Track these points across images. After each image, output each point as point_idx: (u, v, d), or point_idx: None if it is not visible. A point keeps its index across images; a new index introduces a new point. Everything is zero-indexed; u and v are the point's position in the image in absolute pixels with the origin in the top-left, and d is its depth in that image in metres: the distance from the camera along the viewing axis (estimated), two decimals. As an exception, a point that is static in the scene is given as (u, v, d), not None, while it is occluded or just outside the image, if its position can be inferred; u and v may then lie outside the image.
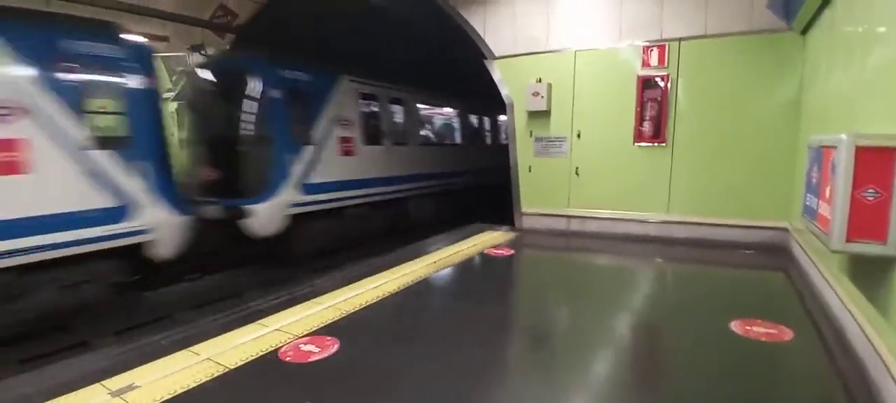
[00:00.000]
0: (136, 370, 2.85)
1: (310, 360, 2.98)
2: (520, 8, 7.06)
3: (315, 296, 4.23)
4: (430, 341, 3.39)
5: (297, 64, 8.24)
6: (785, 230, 5.73)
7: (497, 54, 7.35)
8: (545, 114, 7.07)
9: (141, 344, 3.37)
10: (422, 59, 12.51)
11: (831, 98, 4.05)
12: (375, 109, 9.96)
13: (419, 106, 11.71)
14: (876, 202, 2.40)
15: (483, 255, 5.83)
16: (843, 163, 2.45)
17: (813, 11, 4.66)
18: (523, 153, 7.41)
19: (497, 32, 7.29)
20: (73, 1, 6.74)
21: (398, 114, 10.87)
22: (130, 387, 2.64)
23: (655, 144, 6.39)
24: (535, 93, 6.98)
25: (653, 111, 6.35)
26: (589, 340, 3.45)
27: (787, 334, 3.29)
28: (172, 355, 3.06)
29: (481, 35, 7.37)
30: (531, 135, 7.29)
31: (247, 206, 7.22)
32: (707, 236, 6.19)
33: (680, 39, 6.12)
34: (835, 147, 2.58)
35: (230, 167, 7.46)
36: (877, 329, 2.61)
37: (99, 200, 5.46)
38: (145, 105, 6.00)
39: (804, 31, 5.30)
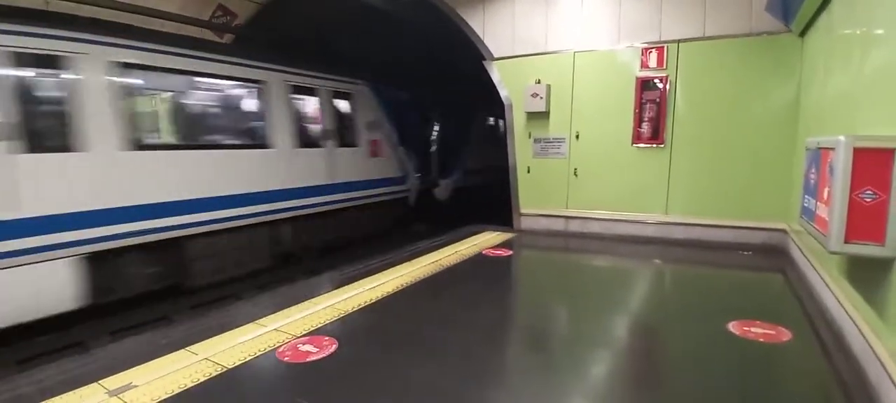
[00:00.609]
0: (133, 369, 2.84)
1: (308, 360, 2.98)
2: (519, 9, 7.07)
3: (313, 296, 4.22)
4: (428, 341, 3.38)
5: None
6: (783, 231, 5.74)
7: (496, 55, 7.36)
8: (544, 115, 7.08)
9: (138, 344, 3.37)
10: (422, 59, 12.55)
11: (829, 100, 4.06)
12: (491, 124, 15.85)
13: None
14: (874, 203, 2.41)
15: (481, 256, 5.82)
16: (841, 164, 2.46)
17: (811, 13, 4.67)
18: (522, 154, 7.42)
19: (496, 33, 7.30)
20: (76, 1, 6.73)
21: (500, 127, 15.68)
22: (128, 387, 2.63)
23: (654, 145, 6.39)
24: (534, 95, 6.99)
25: (651, 112, 6.36)
26: (587, 341, 3.45)
27: (785, 335, 3.29)
28: (170, 354, 3.05)
29: (480, 36, 7.38)
30: (530, 136, 7.30)
31: (437, 181, 12.45)
32: (705, 237, 6.20)
33: (679, 41, 6.13)
34: (833, 148, 2.59)
35: (427, 159, 12.24)
36: (874, 330, 2.62)
37: (397, 172, 10.59)
38: (412, 122, 11.33)
39: (802, 33, 5.31)
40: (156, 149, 6.13)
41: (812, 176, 3.22)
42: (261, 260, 7.54)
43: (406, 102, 11.13)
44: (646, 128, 6.41)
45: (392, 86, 10.50)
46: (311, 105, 8.40)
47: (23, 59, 4.89)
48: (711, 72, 6.04)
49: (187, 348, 3.15)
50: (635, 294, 4.67)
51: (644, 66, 6.35)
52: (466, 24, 7.43)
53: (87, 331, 5.66)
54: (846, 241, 2.49)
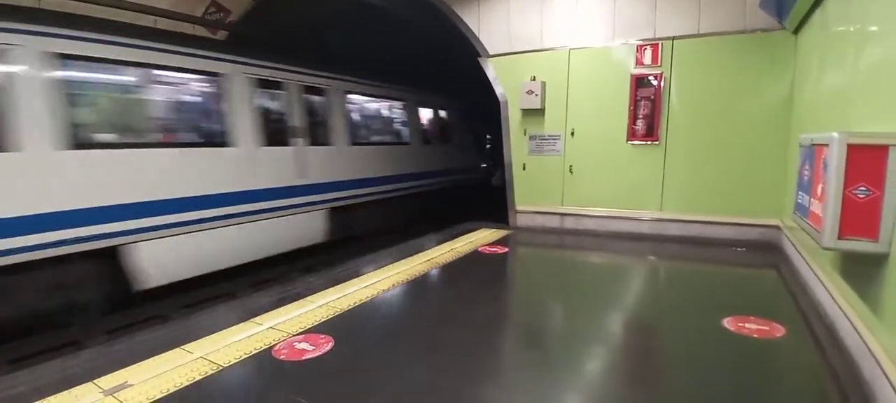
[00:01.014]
0: (128, 368, 2.83)
1: (304, 358, 2.97)
2: (514, 6, 7.06)
3: (309, 294, 4.22)
4: (423, 338, 3.39)
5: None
6: (777, 227, 5.77)
7: (491, 52, 7.35)
8: (539, 112, 7.08)
9: (133, 343, 3.35)
10: (418, 57, 12.54)
11: (823, 96, 4.09)
12: None
13: None
14: (867, 200, 2.42)
15: (477, 253, 5.83)
16: (835, 160, 2.47)
17: (805, 11, 4.69)
18: (517, 151, 7.43)
19: (491, 31, 7.29)
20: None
21: None
22: (123, 386, 2.62)
23: (648, 142, 6.41)
24: (530, 92, 6.99)
25: (646, 109, 6.38)
26: (582, 337, 3.45)
27: (779, 330, 3.32)
28: (165, 353, 3.04)
29: (476, 33, 7.37)
30: (525, 134, 7.30)
31: (494, 171, 15.15)
32: (700, 233, 6.24)
33: (673, 38, 6.15)
34: (827, 145, 2.60)
35: (485, 154, 15.68)
36: (867, 325, 2.64)
37: (473, 163, 14.01)
38: (477, 125, 14.60)
39: (796, 31, 5.34)
40: (360, 145, 9.10)
41: (806, 172, 3.24)
42: (399, 222, 10.30)
43: (473, 110, 14.03)
44: (640, 125, 6.43)
45: (466, 99, 13.44)
46: (428, 115, 11.99)
47: (308, 90, 7.92)
48: (706, 69, 6.06)
49: (182, 347, 3.14)
50: (630, 290, 4.69)
51: (639, 62, 6.36)
52: (462, 20, 7.41)
53: (81, 330, 5.63)
54: (840, 237, 2.51)
